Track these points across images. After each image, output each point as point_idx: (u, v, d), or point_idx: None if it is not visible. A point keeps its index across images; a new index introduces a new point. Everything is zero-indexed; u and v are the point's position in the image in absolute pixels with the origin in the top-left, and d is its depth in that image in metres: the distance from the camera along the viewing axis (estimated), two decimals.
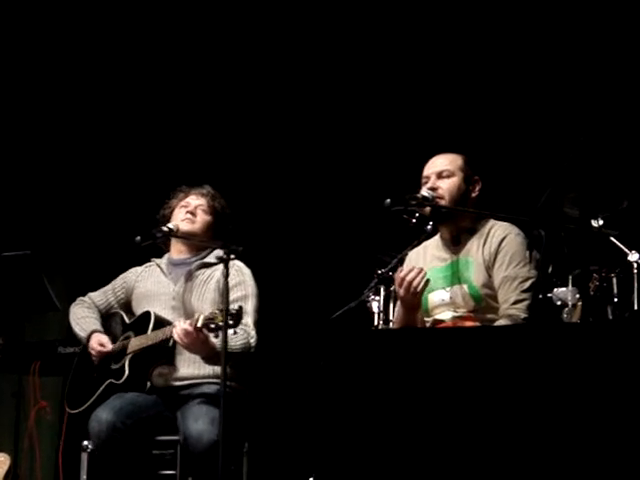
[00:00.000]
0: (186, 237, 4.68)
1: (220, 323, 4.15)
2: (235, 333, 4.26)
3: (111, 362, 4.61)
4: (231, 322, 4.14)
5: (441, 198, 4.13)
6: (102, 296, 4.83)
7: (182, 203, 4.76)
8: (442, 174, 4.18)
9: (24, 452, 5.34)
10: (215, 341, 4.30)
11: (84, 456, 4.45)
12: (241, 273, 4.61)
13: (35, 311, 5.28)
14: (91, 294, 4.87)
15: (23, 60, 6.23)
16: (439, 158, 4.25)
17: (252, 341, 4.46)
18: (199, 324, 4.23)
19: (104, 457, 4.32)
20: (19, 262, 5.09)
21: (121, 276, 4.87)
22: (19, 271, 5.09)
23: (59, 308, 5.19)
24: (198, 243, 4.72)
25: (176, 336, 4.30)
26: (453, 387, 2.98)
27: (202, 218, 4.72)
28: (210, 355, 4.35)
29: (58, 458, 4.98)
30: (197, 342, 4.30)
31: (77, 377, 4.79)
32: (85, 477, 4.46)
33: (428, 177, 4.20)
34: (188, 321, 4.30)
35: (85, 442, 4.41)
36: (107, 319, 4.81)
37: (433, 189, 4.13)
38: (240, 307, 4.21)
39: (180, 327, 4.29)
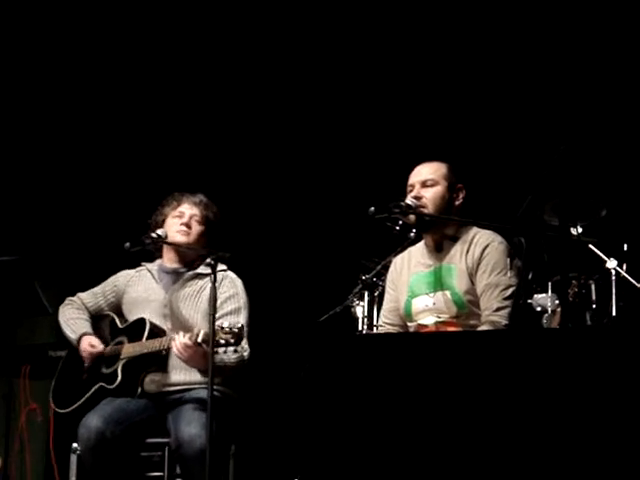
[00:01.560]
0: (175, 244, 4.67)
1: (221, 340, 4.17)
2: (236, 352, 4.31)
3: (102, 366, 4.62)
4: (232, 340, 4.18)
5: (425, 207, 4.18)
6: (92, 298, 4.82)
7: (175, 212, 4.72)
8: (426, 183, 4.24)
9: (14, 454, 5.34)
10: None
11: (73, 458, 4.45)
12: (234, 285, 4.62)
13: (26, 315, 5.29)
14: (80, 295, 4.84)
15: (17, 72, 6.25)
16: (424, 167, 4.31)
17: (246, 354, 4.48)
18: (199, 339, 4.27)
19: (91, 462, 4.34)
20: (9, 267, 5.12)
21: (112, 279, 4.85)
22: (9, 276, 5.12)
23: (50, 312, 5.17)
24: (186, 250, 4.69)
25: (175, 350, 4.34)
26: (435, 391, 3.04)
27: (196, 229, 4.70)
28: (207, 368, 4.33)
29: (50, 459, 4.97)
30: (196, 356, 4.35)
31: (64, 377, 4.79)
32: (74, 479, 4.46)
33: (413, 186, 4.26)
34: (187, 335, 4.31)
35: (75, 444, 4.42)
36: (97, 320, 4.80)
37: (417, 198, 4.19)
38: (242, 326, 4.23)
39: (180, 341, 4.32)
